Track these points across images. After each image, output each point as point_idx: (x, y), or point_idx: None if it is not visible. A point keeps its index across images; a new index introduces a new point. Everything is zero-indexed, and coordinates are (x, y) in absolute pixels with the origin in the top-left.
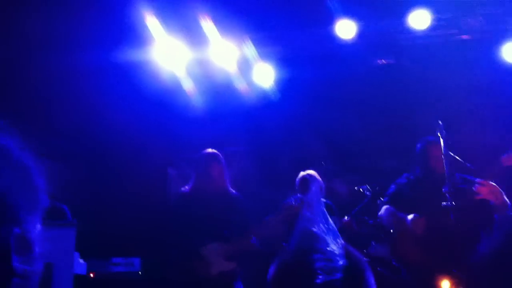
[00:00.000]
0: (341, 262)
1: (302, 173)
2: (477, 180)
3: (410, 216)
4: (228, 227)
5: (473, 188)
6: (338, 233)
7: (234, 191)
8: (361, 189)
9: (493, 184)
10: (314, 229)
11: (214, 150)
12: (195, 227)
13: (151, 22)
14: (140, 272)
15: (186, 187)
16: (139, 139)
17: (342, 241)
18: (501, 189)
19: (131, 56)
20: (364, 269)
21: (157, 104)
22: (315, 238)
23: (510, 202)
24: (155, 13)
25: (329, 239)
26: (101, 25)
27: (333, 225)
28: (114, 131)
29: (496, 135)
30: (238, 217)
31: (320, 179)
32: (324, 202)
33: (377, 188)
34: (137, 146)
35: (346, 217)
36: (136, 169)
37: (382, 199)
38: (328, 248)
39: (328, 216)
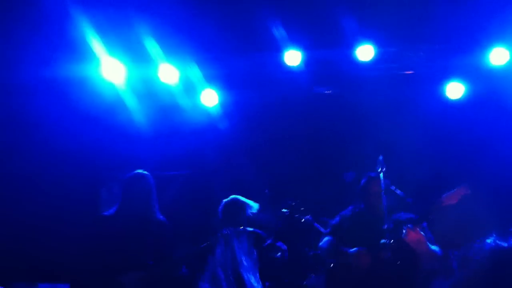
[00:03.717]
0: None
1: (226, 200)
2: (408, 225)
3: (353, 250)
4: (151, 255)
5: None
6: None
7: (161, 216)
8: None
9: (420, 232)
10: None
11: (143, 171)
12: (115, 253)
13: (91, 37)
14: None
15: (111, 210)
16: (73, 158)
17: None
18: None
19: (69, 72)
20: None
21: (95, 121)
22: None
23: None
24: (96, 29)
25: None
26: (37, 40)
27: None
28: (46, 149)
29: (435, 171)
30: (162, 245)
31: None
32: (252, 231)
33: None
34: (70, 165)
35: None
36: (68, 189)
37: (325, 230)
38: None
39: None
